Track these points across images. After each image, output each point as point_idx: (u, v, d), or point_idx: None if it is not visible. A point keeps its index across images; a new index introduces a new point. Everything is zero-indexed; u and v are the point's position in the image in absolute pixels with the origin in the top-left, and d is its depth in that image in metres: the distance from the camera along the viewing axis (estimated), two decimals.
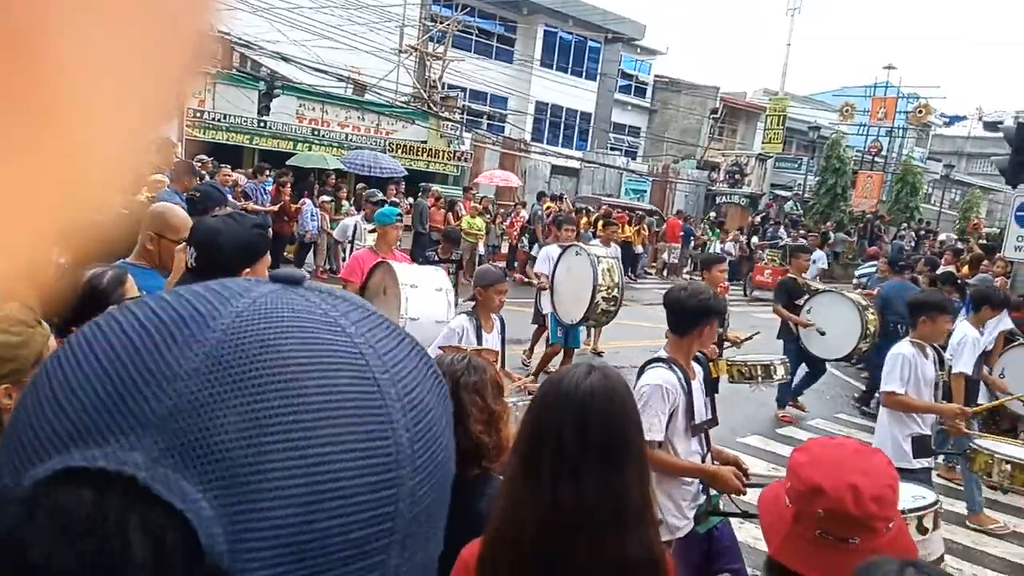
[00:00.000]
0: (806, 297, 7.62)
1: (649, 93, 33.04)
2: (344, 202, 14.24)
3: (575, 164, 27.03)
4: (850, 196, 27.80)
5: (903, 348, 4.35)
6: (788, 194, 30.84)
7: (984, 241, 19.71)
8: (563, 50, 27.54)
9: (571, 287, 7.06)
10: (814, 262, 12.46)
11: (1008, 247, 9.20)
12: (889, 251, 17.84)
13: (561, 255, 7.26)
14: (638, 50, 31.40)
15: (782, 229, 21.69)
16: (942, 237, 25.89)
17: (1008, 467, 3.80)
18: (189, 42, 0.36)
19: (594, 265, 6.81)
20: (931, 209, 35.90)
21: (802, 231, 20.43)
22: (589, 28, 27.52)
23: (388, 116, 20.56)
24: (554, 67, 27.20)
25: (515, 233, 16.12)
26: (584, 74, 28.28)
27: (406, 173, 17.96)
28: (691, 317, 3.09)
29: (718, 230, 21.75)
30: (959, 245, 17.26)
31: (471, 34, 24.63)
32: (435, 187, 15.92)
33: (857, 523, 1.38)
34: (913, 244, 23.68)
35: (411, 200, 14.77)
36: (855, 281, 13.10)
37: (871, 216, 27.90)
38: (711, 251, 15.96)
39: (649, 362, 3.15)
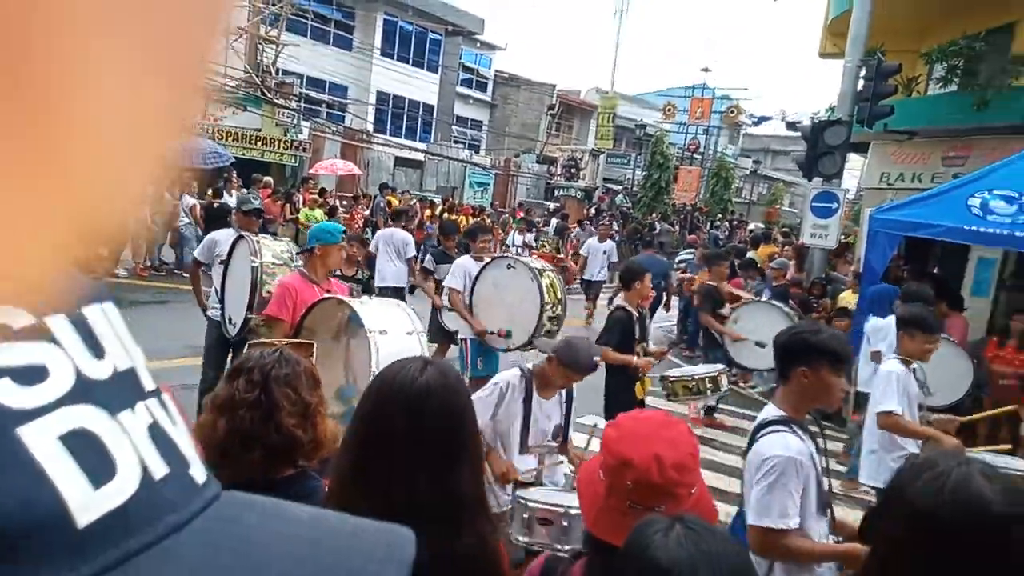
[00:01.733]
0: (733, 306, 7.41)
1: (490, 88, 33.55)
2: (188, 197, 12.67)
3: (419, 156, 26.90)
4: (673, 190, 29.95)
5: (894, 366, 4.15)
6: (619, 188, 32.67)
7: (786, 228, 22.07)
8: (404, 40, 27.24)
9: (501, 307, 6.02)
10: (604, 253, 12.42)
11: (804, 234, 10.38)
12: (707, 240, 19.48)
13: (484, 268, 6.15)
14: (478, 44, 31.76)
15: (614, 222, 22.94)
16: (751, 227, 28.62)
17: None
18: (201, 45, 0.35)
19: (536, 279, 5.80)
20: (742, 202, 39.54)
21: (632, 223, 21.73)
22: (429, 19, 27.41)
23: (216, 101, 19.28)
24: (395, 57, 26.83)
25: (356, 226, 15.81)
26: (426, 65, 28.15)
27: (233, 159, 16.87)
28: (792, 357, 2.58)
29: (520, 218, 21.01)
30: (756, 232, 19.09)
31: (307, 18, 23.69)
32: (267, 178, 15.12)
33: (662, 491, 1.45)
34: (727, 233, 25.97)
35: (245, 191, 13.95)
36: (676, 266, 14.15)
37: (691, 208, 30.23)
38: (509, 242, 15.56)
39: (766, 424, 2.55)
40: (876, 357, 6.16)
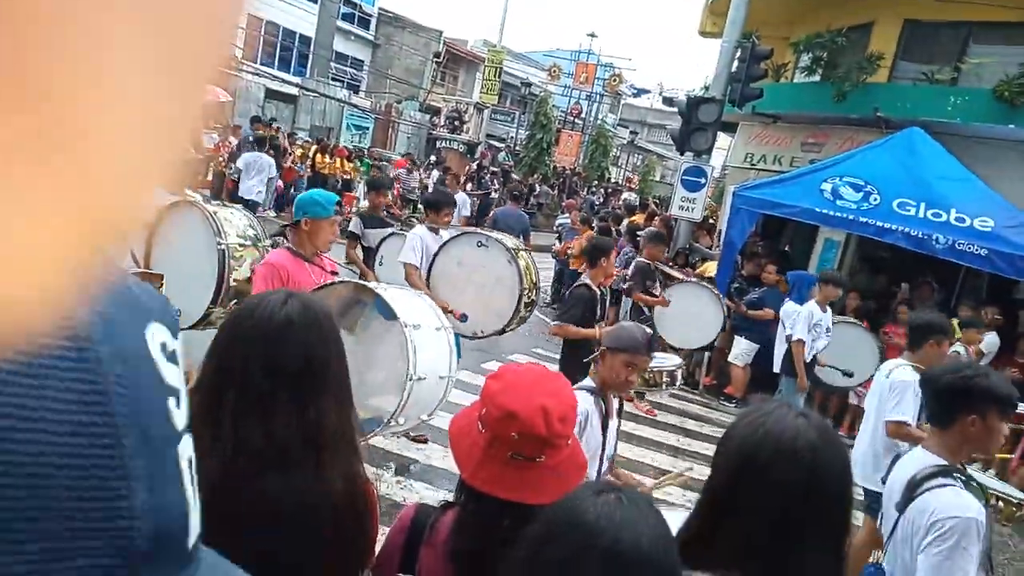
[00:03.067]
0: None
1: (373, 25, 32.16)
2: None
3: (293, 91, 25.44)
4: (554, 152, 30.32)
5: (908, 375, 4.20)
6: (501, 145, 32.63)
7: (657, 199, 23.00)
8: None
9: (466, 287, 5.34)
10: (459, 210, 12.09)
11: (674, 206, 10.82)
12: (583, 205, 19.94)
13: (448, 243, 5.40)
14: None
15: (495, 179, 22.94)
16: (625, 195, 29.61)
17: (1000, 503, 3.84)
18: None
19: (514, 261, 5.17)
20: (618, 170, 40.72)
21: (514, 182, 21.79)
22: None
23: None
24: None
25: (222, 160, 14.77)
26: None
27: None
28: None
29: (368, 160, 20.08)
30: (630, 201, 19.79)
31: None
32: None
33: (546, 442, 1.46)
34: (602, 200, 26.72)
35: None
36: (555, 228, 14.40)
37: (570, 172, 30.78)
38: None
39: (930, 476, 2.35)
40: (789, 340, 6.65)
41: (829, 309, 6.64)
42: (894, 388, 4.25)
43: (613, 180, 35.99)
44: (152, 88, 0.31)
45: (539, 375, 1.59)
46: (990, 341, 7.48)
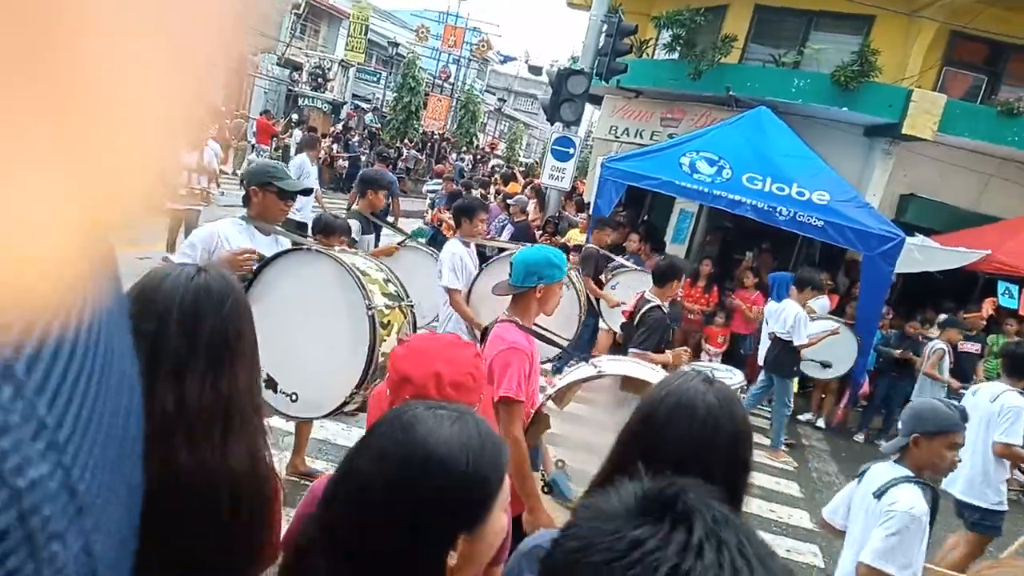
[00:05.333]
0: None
1: None
2: None
3: None
4: (422, 116, 29.85)
5: (1019, 400, 4.61)
6: (368, 106, 31.67)
7: (523, 168, 23.33)
8: None
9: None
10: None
11: (544, 175, 11.06)
12: (452, 171, 19.85)
13: (488, 265, 4.96)
14: None
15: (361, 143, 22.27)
16: (493, 163, 29.78)
17: None
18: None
19: (572, 283, 4.78)
20: (486, 137, 40.77)
21: (381, 145, 21.27)
22: None
23: None
24: None
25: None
26: None
27: None
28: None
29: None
30: (506, 171, 20.00)
31: None
32: None
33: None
34: (471, 166, 26.72)
35: None
36: (426, 195, 14.26)
37: (439, 137, 30.51)
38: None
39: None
40: (771, 336, 7.07)
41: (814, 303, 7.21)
42: (1004, 412, 4.62)
43: (481, 147, 36.04)
44: (170, 55, 0.31)
45: (445, 343, 1.63)
46: (821, 305, 8.32)
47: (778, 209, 7.84)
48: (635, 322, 4.92)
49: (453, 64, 33.14)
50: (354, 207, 5.72)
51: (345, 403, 3.19)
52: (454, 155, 29.27)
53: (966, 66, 11.13)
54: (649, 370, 3.06)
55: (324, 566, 1.11)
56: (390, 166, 12.52)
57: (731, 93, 10.66)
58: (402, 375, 1.53)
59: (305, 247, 3.37)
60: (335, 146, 21.35)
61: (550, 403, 2.87)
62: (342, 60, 29.78)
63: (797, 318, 6.77)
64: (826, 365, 7.74)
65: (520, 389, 2.71)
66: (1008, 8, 9.92)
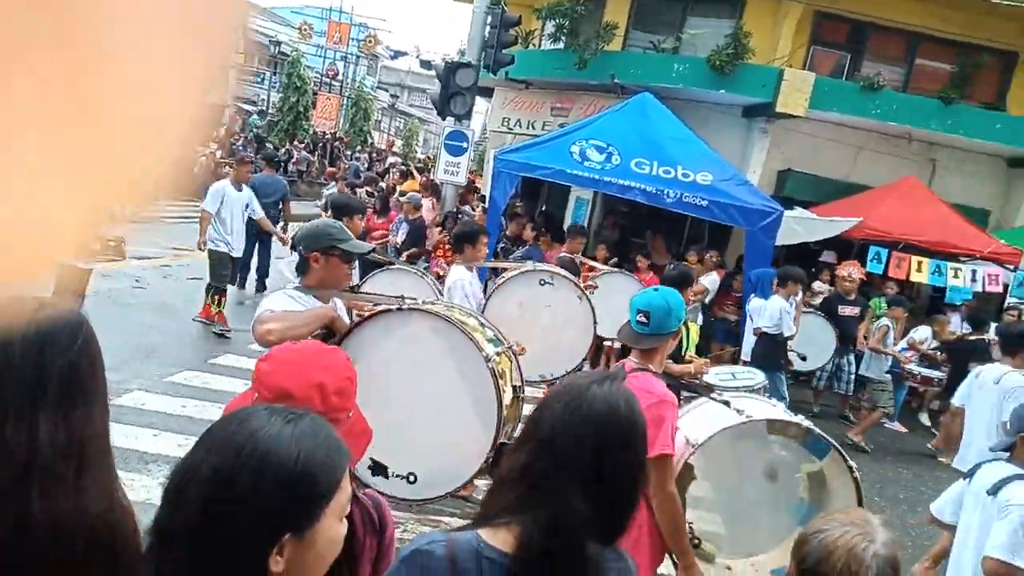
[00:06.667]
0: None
1: None
2: None
3: None
4: (312, 116, 29.00)
5: (1021, 379, 4.72)
6: (253, 109, 30.47)
7: (419, 164, 23.09)
8: None
9: (532, 331, 4.66)
10: None
11: (439, 171, 10.93)
12: (347, 171, 19.40)
13: (504, 284, 4.96)
14: None
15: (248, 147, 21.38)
16: (391, 160, 29.31)
17: None
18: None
19: (584, 298, 4.90)
20: (381, 135, 40.11)
21: (268, 147, 20.49)
22: None
23: None
24: None
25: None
26: None
27: None
28: None
29: None
30: (402, 168, 19.72)
31: None
32: None
33: (325, 418, 1.44)
34: (367, 165, 26.19)
35: None
36: (323, 198, 13.84)
37: (331, 137, 29.74)
38: None
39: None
40: (756, 332, 7.11)
41: (794, 300, 7.30)
42: (1010, 393, 4.77)
43: (376, 144, 35.40)
44: (176, 44, 0.32)
45: (313, 351, 1.56)
46: (712, 280, 8.63)
47: (665, 192, 8.05)
48: None
49: (341, 61, 32.34)
50: None
51: (483, 467, 2.88)
52: (349, 154, 28.62)
53: (832, 45, 11.80)
54: (781, 410, 3.06)
55: (154, 564, 1.09)
56: (279, 170, 12.08)
57: (616, 80, 10.87)
58: (280, 391, 1.43)
59: (396, 307, 2.92)
60: (219, 152, 20.41)
61: (692, 453, 2.76)
62: None
63: (782, 311, 7.02)
64: (803, 357, 8.03)
65: (674, 444, 2.61)
66: None
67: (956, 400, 5.38)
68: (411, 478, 2.90)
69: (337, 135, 30.24)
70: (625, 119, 9.09)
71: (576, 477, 1.33)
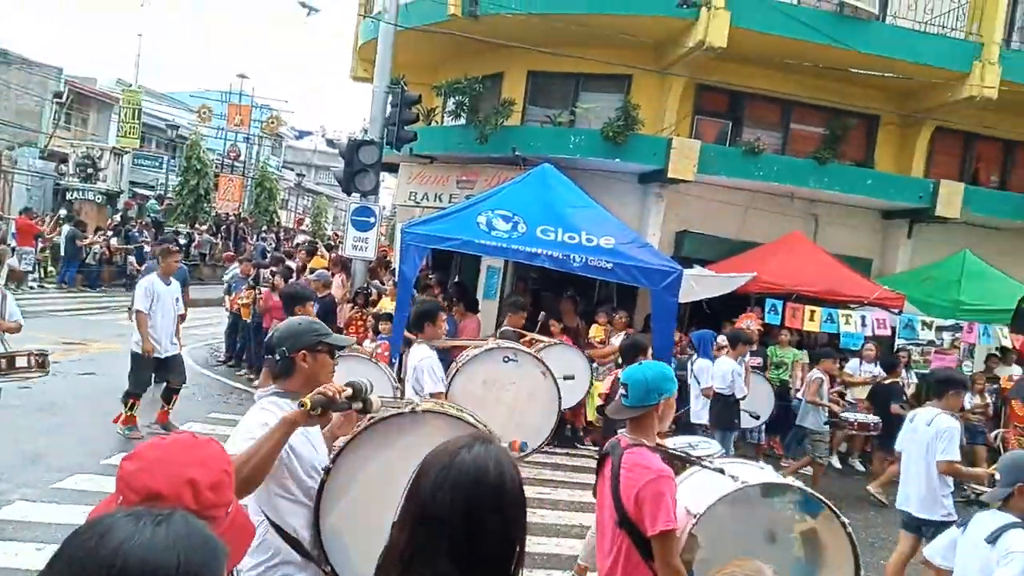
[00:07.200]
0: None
1: None
2: None
3: None
4: (214, 198, 28.36)
5: (952, 422, 5.09)
6: (150, 193, 29.54)
7: (330, 242, 22.86)
8: None
9: (496, 409, 4.83)
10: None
11: (347, 247, 10.85)
12: (253, 252, 18.97)
13: (467, 363, 5.05)
14: None
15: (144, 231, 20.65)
16: (299, 239, 28.88)
17: None
18: None
19: (548, 373, 5.07)
20: (288, 213, 39.60)
21: (167, 233, 19.87)
22: None
23: None
24: None
25: None
26: None
27: None
28: None
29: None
30: (309, 245, 19.44)
31: None
32: None
33: (200, 517, 1.30)
34: (275, 245, 25.69)
35: None
36: (224, 282, 13.42)
37: (235, 218, 29.10)
38: None
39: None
40: (707, 392, 7.26)
41: (742, 360, 7.71)
42: (941, 434, 5.07)
43: (284, 224, 34.89)
44: None
45: (184, 444, 1.45)
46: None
47: (572, 256, 8.28)
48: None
49: (243, 142, 32.03)
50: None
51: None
52: (255, 235, 28.03)
53: (714, 114, 12.66)
54: (770, 472, 3.16)
55: None
56: (181, 253, 11.65)
57: (517, 153, 11.24)
58: (148, 492, 1.32)
59: (406, 409, 2.83)
60: (114, 239, 19.59)
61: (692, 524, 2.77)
62: (114, 147, 27.59)
63: (734, 372, 7.27)
64: (755, 416, 8.42)
65: (675, 518, 2.61)
66: (742, 62, 11.46)
67: (898, 446, 5.68)
68: None
69: (241, 216, 29.63)
70: (528, 189, 9.36)
71: (445, 544, 1.32)
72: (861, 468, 9.49)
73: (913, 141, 12.59)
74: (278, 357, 2.68)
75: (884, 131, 12.80)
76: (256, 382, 10.44)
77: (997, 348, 10.87)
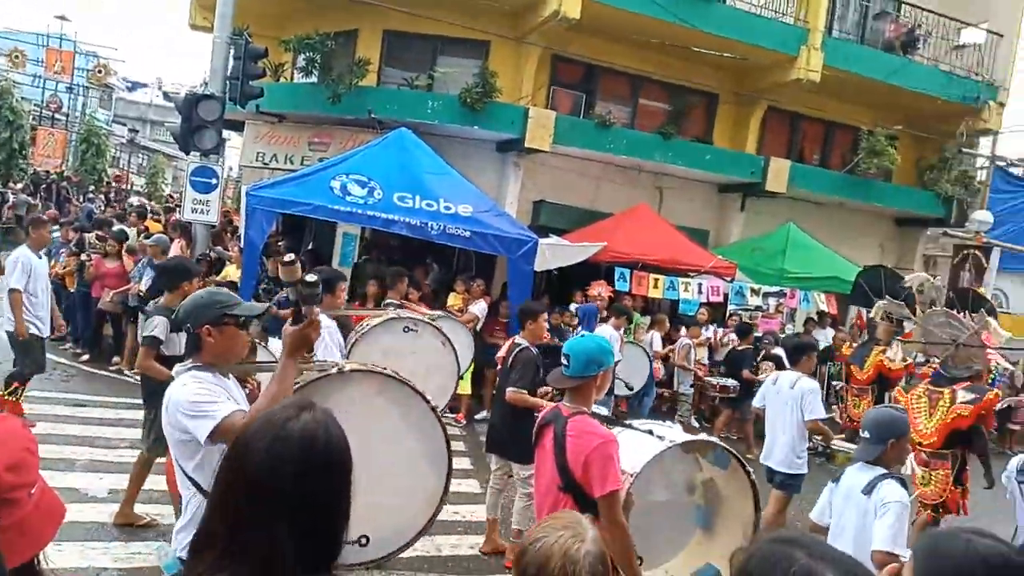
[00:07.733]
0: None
1: None
2: None
3: None
4: (31, 154, 25.36)
5: (814, 383, 5.61)
6: None
7: (166, 203, 21.20)
8: None
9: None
10: None
11: (186, 210, 10.08)
12: (80, 213, 17.21)
13: (366, 333, 5.15)
14: None
15: None
16: (133, 200, 26.52)
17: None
18: None
19: (448, 343, 5.36)
20: (121, 172, 36.22)
21: None
22: None
23: None
24: None
25: None
26: None
27: None
28: None
29: None
30: (140, 208, 17.92)
31: None
32: None
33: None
34: (103, 206, 23.44)
35: None
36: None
37: (56, 176, 26.23)
38: None
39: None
40: None
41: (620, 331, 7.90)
42: (805, 395, 5.48)
43: (114, 184, 31.86)
44: None
45: None
46: (480, 308, 8.91)
47: (429, 224, 8.20)
48: (508, 365, 5.16)
49: (66, 93, 28.78)
50: (161, 302, 5.19)
51: (439, 507, 3.15)
52: (81, 196, 25.41)
53: (569, 85, 12.91)
54: (686, 433, 3.44)
55: None
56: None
57: (373, 116, 10.90)
58: None
59: (332, 371, 2.97)
60: None
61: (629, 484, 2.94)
62: None
63: (613, 339, 7.41)
64: (629, 387, 8.72)
65: (620, 479, 2.79)
66: (594, 35, 11.72)
67: (756, 402, 6.20)
68: (362, 540, 2.96)
69: (64, 174, 26.74)
70: (385, 154, 9.13)
71: (283, 512, 1.27)
72: (696, 424, 10.27)
73: (747, 119, 13.52)
74: (185, 334, 2.66)
75: (722, 109, 13.65)
76: (84, 358, 9.54)
77: (815, 312, 12.05)
